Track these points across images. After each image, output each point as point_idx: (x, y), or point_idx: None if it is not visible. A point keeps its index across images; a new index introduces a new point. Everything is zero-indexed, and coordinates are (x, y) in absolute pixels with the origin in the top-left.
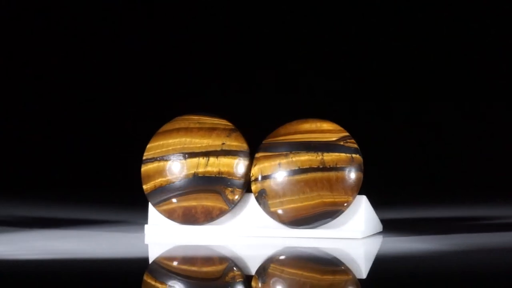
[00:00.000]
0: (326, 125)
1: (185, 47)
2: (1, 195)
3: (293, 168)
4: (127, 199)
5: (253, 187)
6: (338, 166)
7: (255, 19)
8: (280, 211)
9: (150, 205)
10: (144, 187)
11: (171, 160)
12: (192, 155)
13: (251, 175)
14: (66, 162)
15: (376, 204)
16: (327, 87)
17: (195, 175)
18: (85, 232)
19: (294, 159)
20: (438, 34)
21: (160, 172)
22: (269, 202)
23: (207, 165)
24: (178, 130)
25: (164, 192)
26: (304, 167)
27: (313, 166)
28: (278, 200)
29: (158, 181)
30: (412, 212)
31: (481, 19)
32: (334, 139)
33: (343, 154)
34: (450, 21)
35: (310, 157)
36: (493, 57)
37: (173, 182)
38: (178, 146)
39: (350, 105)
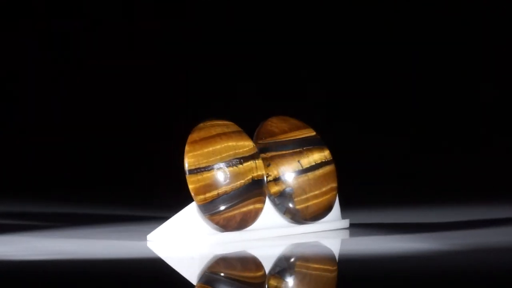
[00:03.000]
0: (298, 121)
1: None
2: (4, 196)
3: (312, 164)
4: (129, 199)
5: (272, 187)
6: (331, 158)
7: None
8: (305, 208)
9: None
10: (201, 197)
11: (231, 166)
12: (245, 159)
13: (267, 175)
14: (69, 163)
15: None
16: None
17: (252, 179)
18: (89, 232)
19: (309, 155)
20: (407, 35)
21: (222, 180)
22: (296, 199)
23: (257, 168)
24: (220, 135)
25: (227, 200)
26: (318, 162)
27: (323, 160)
28: (304, 197)
29: (222, 189)
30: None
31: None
32: (315, 133)
33: (326, 147)
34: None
35: (319, 152)
36: (456, 56)
37: (238, 188)
38: (231, 152)
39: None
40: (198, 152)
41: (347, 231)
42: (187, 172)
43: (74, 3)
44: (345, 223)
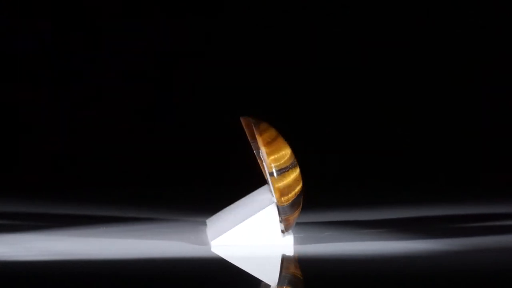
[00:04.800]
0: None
1: None
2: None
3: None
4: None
5: None
6: None
7: None
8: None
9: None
10: (285, 198)
11: (296, 167)
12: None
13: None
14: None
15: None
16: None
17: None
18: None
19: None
20: (377, 34)
21: (296, 180)
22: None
23: None
24: (279, 135)
25: (298, 200)
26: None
27: None
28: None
29: (297, 189)
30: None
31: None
32: None
33: None
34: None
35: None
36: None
37: (302, 188)
38: (291, 151)
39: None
40: (277, 154)
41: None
42: (273, 174)
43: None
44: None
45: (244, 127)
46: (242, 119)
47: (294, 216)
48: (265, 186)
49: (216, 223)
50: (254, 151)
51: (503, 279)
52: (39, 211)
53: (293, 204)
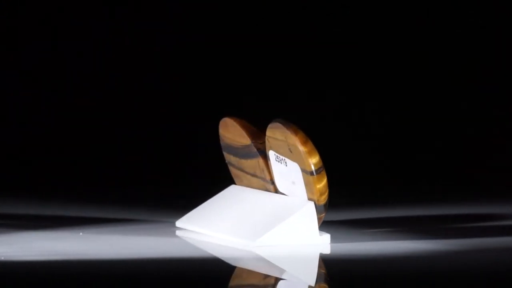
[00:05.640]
0: None
1: None
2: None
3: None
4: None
5: None
6: None
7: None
8: None
9: None
10: (324, 196)
11: (323, 168)
12: None
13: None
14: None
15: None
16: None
17: None
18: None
19: None
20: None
21: (327, 180)
22: None
23: None
24: (308, 137)
25: (328, 199)
26: None
27: None
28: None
29: (328, 188)
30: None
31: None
32: None
33: None
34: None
35: None
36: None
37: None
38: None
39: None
40: (314, 154)
41: None
42: (313, 173)
43: None
44: None
45: (240, 127)
46: (235, 120)
47: (325, 214)
48: (234, 186)
49: (219, 224)
50: (227, 153)
51: (503, 279)
52: (39, 211)
53: (326, 203)
